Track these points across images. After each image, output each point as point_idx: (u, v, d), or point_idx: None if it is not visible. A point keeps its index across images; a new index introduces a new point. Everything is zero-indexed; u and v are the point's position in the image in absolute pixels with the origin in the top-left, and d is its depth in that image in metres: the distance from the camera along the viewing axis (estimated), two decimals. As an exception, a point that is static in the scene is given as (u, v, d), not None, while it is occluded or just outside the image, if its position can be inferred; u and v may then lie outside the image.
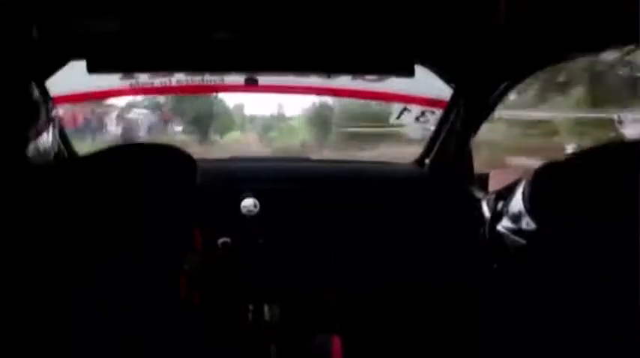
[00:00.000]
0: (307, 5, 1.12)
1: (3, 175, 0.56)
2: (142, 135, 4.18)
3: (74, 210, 0.52)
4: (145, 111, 4.34)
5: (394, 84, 1.99)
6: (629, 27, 1.08)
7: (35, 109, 0.68)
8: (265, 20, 1.25)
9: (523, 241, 0.74)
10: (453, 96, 1.81)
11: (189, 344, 0.71)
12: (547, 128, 3.87)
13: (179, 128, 4.41)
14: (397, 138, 3.41)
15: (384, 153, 3.51)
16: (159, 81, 1.98)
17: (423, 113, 2.07)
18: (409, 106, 2.09)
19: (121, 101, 4.31)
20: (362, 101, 3.19)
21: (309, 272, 1.79)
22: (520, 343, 0.77)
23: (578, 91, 3.72)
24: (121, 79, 1.95)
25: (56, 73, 1.54)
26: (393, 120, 2.17)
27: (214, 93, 4.00)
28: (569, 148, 2.10)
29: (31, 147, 0.64)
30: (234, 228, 1.76)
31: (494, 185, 1.84)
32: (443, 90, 1.83)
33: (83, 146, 2.16)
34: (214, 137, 4.44)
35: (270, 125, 4.60)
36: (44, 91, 1.36)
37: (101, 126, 4.13)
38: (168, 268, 0.68)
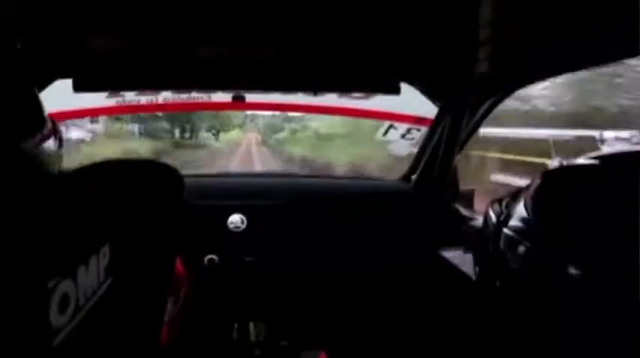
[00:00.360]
0: (295, 24, 1.13)
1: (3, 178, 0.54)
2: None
3: (54, 226, 0.51)
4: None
5: (381, 102, 2.01)
6: (610, 45, 1.12)
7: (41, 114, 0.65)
8: (252, 39, 1.26)
9: (529, 245, 0.74)
10: (439, 114, 1.84)
11: None
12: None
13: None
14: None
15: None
16: (145, 98, 1.98)
17: (409, 130, 2.10)
18: (395, 124, 2.12)
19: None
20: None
21: (296, 289, 1.78)
22: (520, 343, 0.77)
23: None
24: (107, 97, 1.94)
25: (42, 92, 1.53)
26: (379, 136, 2.19)
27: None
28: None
29: (34, 154, 0.61)
30: (221, 244, 1.75)
31: (479, 201, 1.86)
32: (428, 108, 1.86)
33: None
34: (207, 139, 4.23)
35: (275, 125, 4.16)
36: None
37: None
38: (148, 311, 0.66)
